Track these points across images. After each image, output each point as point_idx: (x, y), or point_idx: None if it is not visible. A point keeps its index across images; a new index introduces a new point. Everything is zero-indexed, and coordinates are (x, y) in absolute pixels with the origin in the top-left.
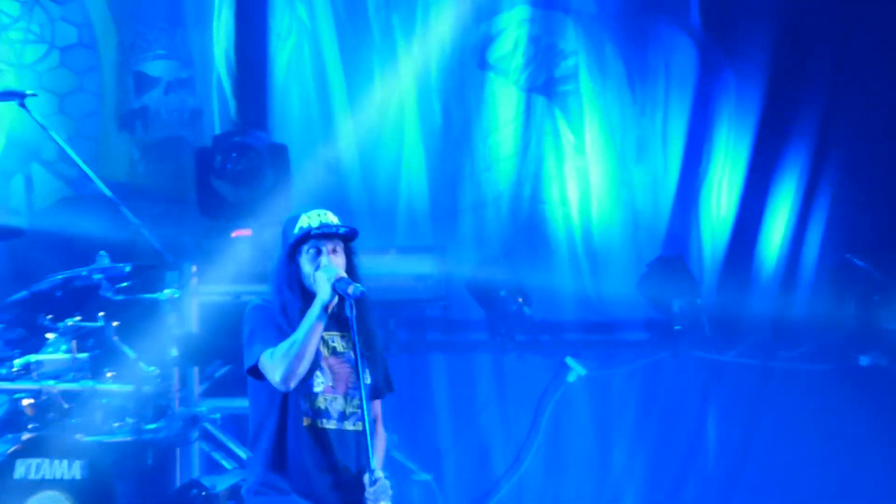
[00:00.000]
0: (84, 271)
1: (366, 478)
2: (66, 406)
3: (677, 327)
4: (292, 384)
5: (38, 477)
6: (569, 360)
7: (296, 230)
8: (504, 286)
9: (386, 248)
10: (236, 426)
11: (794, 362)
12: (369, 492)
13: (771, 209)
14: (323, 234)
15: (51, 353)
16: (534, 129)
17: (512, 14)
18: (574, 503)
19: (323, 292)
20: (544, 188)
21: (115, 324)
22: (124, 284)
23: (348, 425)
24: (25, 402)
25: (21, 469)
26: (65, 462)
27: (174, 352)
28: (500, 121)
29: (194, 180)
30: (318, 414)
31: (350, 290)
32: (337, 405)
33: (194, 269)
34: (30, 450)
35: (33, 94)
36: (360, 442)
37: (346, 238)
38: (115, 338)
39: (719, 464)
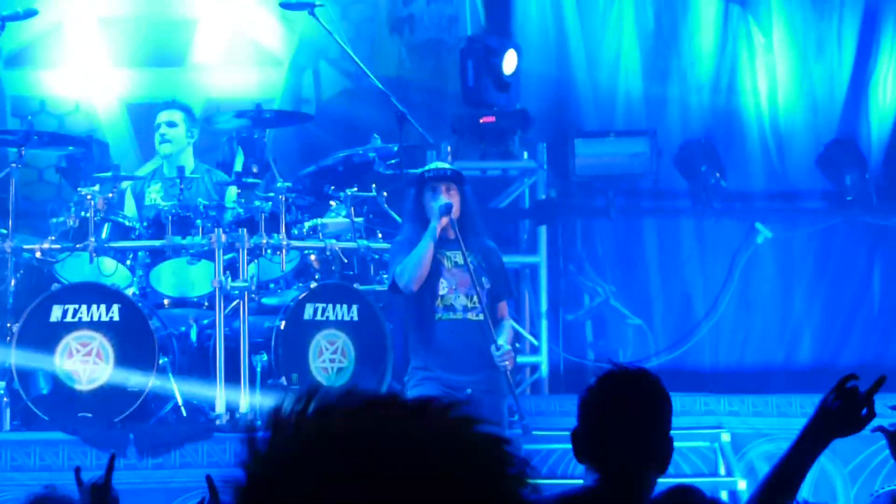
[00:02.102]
0: (360, 150)
1: (492, 348)
2: (345, 261)
3: (849, 197)
4: (414, 287)
5: (323, 318)
6: (758, 225)
7: (417, 175)
8: (705, 162)
9: (607, 132)
10: None
11: None
12: (496, 356)
13: None
14: (434, 177)
15: (333, 217)
16: (730, 31)
17: None
18: (760, 342)
19: (433, 218)
20: (739, 81)
21: (384, 194)
22: (393, 161)
23: (470, 316)
24: (312, 256)
25: (309, 311)
26: (344, 306)
27: None
28: (702, 24)
29: (466, 74)
30: (446, 309)
31: (448, 213)
32: (461, 301)
33: (450, 148)
34: (316, 295)
35: (321, 5)
36: (480, 328)
37: (455, 180)
38: (385, 205)
39: (882, 310)
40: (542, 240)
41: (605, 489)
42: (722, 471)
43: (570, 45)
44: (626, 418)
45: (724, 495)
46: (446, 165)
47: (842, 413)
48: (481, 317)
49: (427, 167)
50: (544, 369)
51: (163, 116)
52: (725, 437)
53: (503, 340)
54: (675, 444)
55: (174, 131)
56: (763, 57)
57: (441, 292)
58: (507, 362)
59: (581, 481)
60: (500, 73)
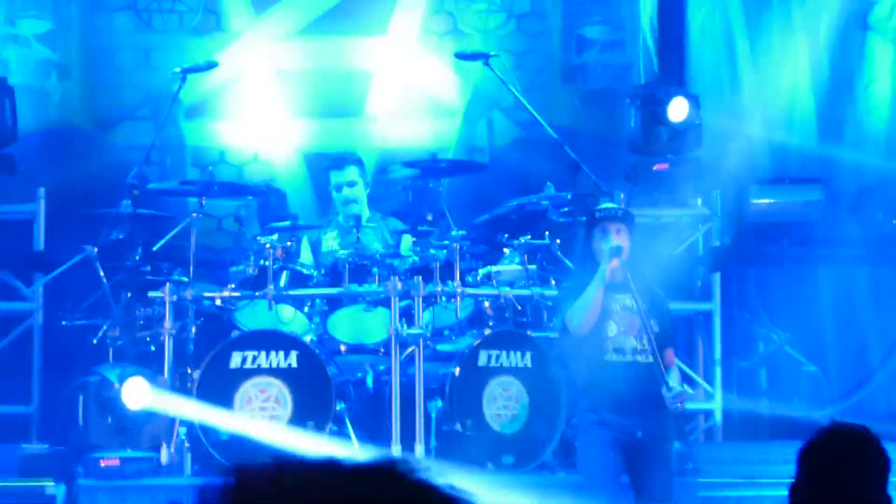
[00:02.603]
0: (534, 198)
1: (663, 390)
2: (518, 308)
3: None
4: (584, 330)
5: (497, 364)
6: None
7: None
8: (881, 209)
9: (782, 179)
10: None
11: None
12: (668, 397)
13: None
14: (604, 217)
15: (507, 264)
16: None
17: None
18: None
19: (603, 261)
20: None
21: (558, 241)
22: (566, 209)
23: (640, 358)
24: (486, 304)
25: (483, 358)
26: (517, 353)
27: None
28: (877, 72)
29: (631, 122)
30: (616, 352)
31: (619, 255)
32: (629, 343)
33: (623, 196)
34: (490, 342)
35: (496, 55)
36: (650, 371)
37: (625, 220)
38: (559, 253)
39: None
40: (716, 287)
41: None
42: None
43: (744, 94)
44: (844, 475)
45: None
46: (616, 206)
47: None
48: (651, 359)
49: (597, 207)
50: (718, 416)
51: (340, 177)
52: None
53: (674, 382)
54: None
55: (356, 190)
56: None
57: (610, 334)
58: (678, 404)
59: None
60: (666, 121)
